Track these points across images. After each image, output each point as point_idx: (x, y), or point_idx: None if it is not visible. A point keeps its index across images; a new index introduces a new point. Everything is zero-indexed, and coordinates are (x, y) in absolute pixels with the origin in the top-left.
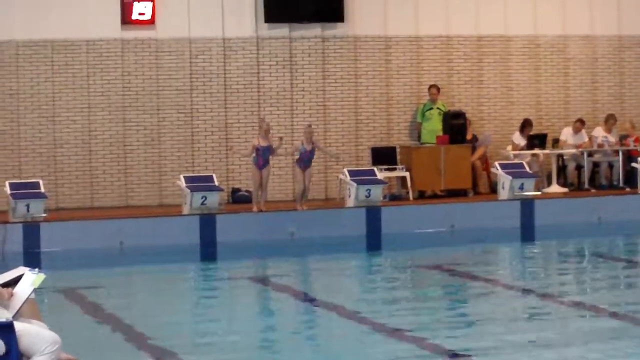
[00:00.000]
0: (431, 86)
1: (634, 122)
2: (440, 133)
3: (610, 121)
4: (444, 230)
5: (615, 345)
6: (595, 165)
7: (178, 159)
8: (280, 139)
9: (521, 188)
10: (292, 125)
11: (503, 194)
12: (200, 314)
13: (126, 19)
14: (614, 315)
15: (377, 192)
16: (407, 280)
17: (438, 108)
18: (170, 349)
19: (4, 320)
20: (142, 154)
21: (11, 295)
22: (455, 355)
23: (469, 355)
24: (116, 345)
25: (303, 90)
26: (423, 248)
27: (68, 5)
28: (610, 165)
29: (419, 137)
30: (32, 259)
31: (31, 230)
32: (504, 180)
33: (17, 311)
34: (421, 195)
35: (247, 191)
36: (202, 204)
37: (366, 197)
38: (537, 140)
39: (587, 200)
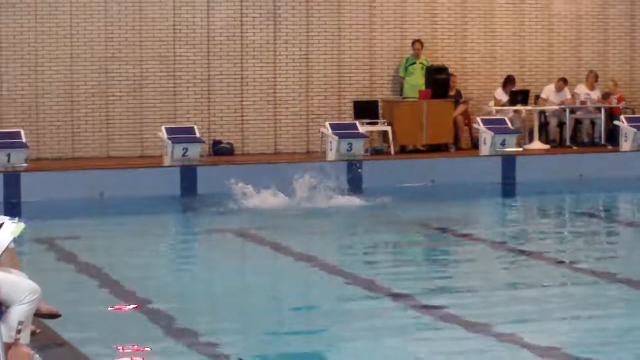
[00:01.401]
0: (415, 41)
1: (616, 80)
2: (423, 88)
3: (591, 77)
4: (425, 185)
5: (594, 301)
6: (578, 122)
7: (160, 110)
8: None
9: (503, 144)
10: (274, 78)
11: (484, 149)
12: (178, 264)
13: None
14: (593, 272)
15: (359, 146)
16: (385, 233)
17: (421, 63)
18: (148, 298)
19: None
20: (124, 104)
21: None
22: (430, 307)
23: (445, 307)
24: (95, 295)
25: (286, 43)
26: (403, 202)
27: None
28: (592, 123)
29: (402, 91)
30: (12, 209)
31: (11, 180)
32: (486, 135)
33: None
34: (402, 150)
35: (228, 143)
36: (183, 155)
37: (347, 150)
38: (519, 97)
39: (569, 157)
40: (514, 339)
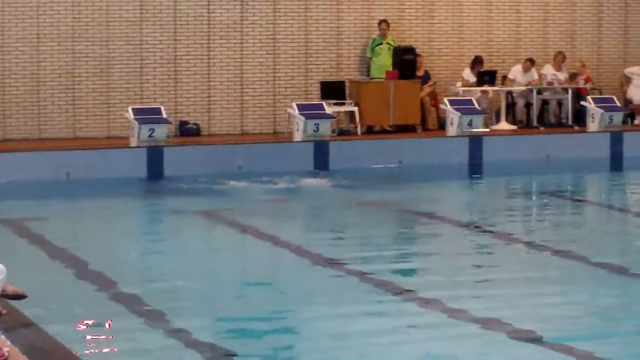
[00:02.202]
0: (381, 21)
1: (584, 60)
2: (390, 68)
3: (558, 58)
4: (392, 166)
5: (561, 283)
6: (545, 103)
7: (126, 90)
8: None
9: (470, 124)
10: (241, 58)
11: (451, 130)
12: (144, 245)
13: None
14: (559, 252)
15: (326, 127)
16: (351, 214)
17: (388, 43)
18: (113, 279)
19: None
20: (91, 85)
21: None
22: (401, 291)
23: (414, 291)
24: (61, 276)
25: (253, 24)
26: (370, 183)
27: None
28: (559, 103)
29: (369, 72)
30: None
31: None
32: (453, 116)
33: None
34: (369, 131)
35: (194, 124)
36: (150, 136)
37: (314, 131)
38: (486, 77)
39: (536, 137)
40: (470, 315)
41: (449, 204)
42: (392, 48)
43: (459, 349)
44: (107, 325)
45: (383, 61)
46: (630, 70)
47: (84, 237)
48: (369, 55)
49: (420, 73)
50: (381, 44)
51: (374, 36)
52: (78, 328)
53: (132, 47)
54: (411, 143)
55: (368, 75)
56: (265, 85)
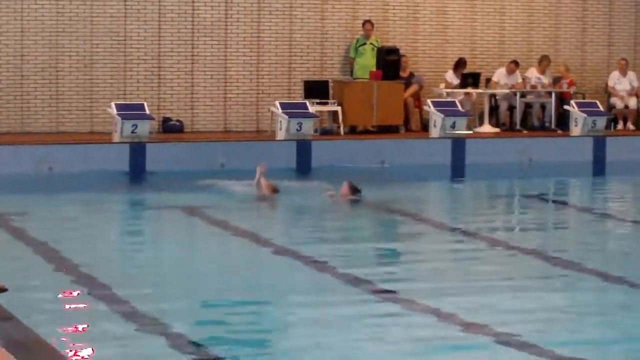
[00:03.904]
0: (365, 21)
1: (568, 64)
2: (373, 69)
3: (544, 62)
4: (374, 166)
5: (541, 285)
6: (528, 106)
7: (110, 86)
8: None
9: (453, 126)
10: (225, 56)
11: (434, 131)
12: (124, 241)
13: None
14: (540, 256)
15: (308, 126)
16: (335, 213)
17: (371, 44)
18: (92, 274)
19: None
20: (74, 80)
21: None
22: (384, 291)
23: (394, 292)
24: (41, 271)
25: (238, 22)
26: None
27: None
28: (543, 107)
29: (352, 72)
30: None
31: None
32: (436, 118)
33: None
34: (352, 131)
35: (177, 120)
36: (133, 132)
37: (297, 130)
38: (470, 79)
39: (519, 140)
40: (455, 317)
41: (431, 205)
42: (375, 48)
43: (438, 351)
44: (83, 305)
45: (366, 61)
46: (612, 79)
47: (65, 231)
48: (352, 55)
49: (405, 74)
50: (365, 44)
51: (358, 36)
52: (57, 323)
53: (116, 43)
54: (394, 144)
55: (351, 75)
56: (249, 84)
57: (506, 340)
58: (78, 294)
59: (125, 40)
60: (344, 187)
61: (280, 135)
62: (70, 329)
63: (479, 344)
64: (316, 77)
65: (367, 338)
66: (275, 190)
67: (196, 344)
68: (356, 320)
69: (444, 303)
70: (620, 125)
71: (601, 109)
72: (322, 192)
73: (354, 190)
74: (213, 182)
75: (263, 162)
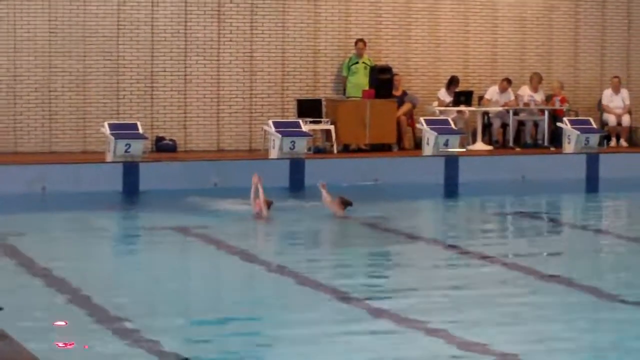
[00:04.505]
0: (358, 40)
1: (562, 81)
2: (366, 87)
3: (535, 79)
4: (367, 185)
5: (535, 301)
6: (521, 123)
7: (103, 106)
8: None
9: (446, 144)
10: (217, 75)
11: (428, 149)
12: (117, 260)
13: None
14: (534, 273)
15: (302, 145)
16: (328, 231)
17: (364, 62)
18: (86, 293)
19: None
20: (67, 100)
21: None
22: (375, 309)
23: (386, 309)
24: (35, 290)
25: (230, 41)
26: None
27: None
28: (536, 124)
29: (344, 90)
30: None
31: None
32: (429, 136)
33: None
34: (345, 149)
35: (171, 140)
36: (126, 151)
37: (290, 149)
38: (463, 97)
39: (512, 158)
40: (447, 335)
41: (424, 223)
42: (368, 67)
43: None
44: (74, 333)
45: (359, 80)
46: (606, 97)
47: (58, 251)
48: (345, 74)
49: (398, 92)
50: (357, 62)
51: (350, 55)
52: (50, 342)
53: (109, 63)
54: (387, 162)
55: (344, 94)
56: (242, 102)
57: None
58: (71, 312)
59: (118, 60)
60: (336, 203)
61: (274, 154)
62: (63, 346)
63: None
64: (309, 96)
65: (358, 356)
66: (269, 203)
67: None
68: (351, 340)
69: (435, 320)
70: (613, 142)
71: (594, 126)
72: (317, 182)
73: (346, 204)
74: (206, 201)
75: (256, 174)
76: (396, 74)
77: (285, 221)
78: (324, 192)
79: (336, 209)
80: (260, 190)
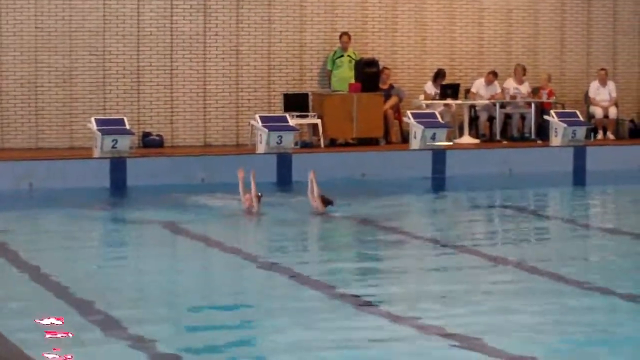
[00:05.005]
0: (343, 34)
1: (550, 74)
2: (351, 81)
3: (518, 71)
4: (355, 179)
5: (523, 298)
6: (508, 116)
7: (89, 101)
8: None
9: (433, 138)
10: (204, 70)
11: (415, 143)
12: (105, 256)
13: None
14: (522, 267)
15: (289, 139)
16: (316, 228)
17: (349, 56)
18: (73, 289)
19: None
20: (54, 95)
21: None
22: (363, 304)
23: (368, 297)
24: (22, 286)
25: (216, 35)
26: (332, 196)
27: None
28: (523, 117)
29: (330, 84)
30: None
31: None
32: (416, 129)
33: None
34: (332, 143)
35: (157, 135)
36: (113, 147)
37: (277, 143)
38: (449, 91)
39: (499, 151)
40: (434, 328)
41: (411, 217)
42: (352, 61)
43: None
44: (69, 335)
45: (343, 74)
46: (592, 90)
47: (46, 247)
48: (329, 67)
49: (385, 86)
50: (342, 56)
51: (335, 48)
52: (39, 336)
53: (95, 58)
54: (374, 156)
55: (330, 87)
56: (228, 97)
57: (495, 353)
58: (58, 308)
59: (104, 55)
60: (317, 200)
61: (261, 148)
62: (51, 339)
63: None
64: (295, 90)
65: (349, 353)
66: (259, 197)
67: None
68: (340, 335)
69: (426, 315)
70: (600, 135)
71: (581, 118)
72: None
73: (327, 202)
74: (194, 196)
75: (241, 169)
76: (386, 68)
77: (273, 216)
78: (311, 184)
79: (317, 204)
80: (253, 184)
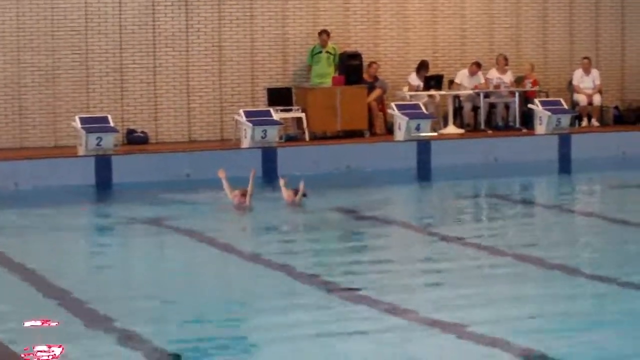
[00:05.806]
0: (322, 31)
1: (533, 63)
2: (329, 76)
3: (500, 61)
4: (340, 171)
5: (512, 286)
6: (492, 106)
7: (73, 100)
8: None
9: (417, 129)
10: (187, 66)
11: (399, 135)
12: (92, 254)
13: None
14: (509, 255)
15: (273, 133)
16: (304, 221)
17: (327, 52)
18: (61, 287)
19: None
20: (37, 95)
21: None
22: (347, 289)
23: (357, 289)
24: (10, 285)
25: (198, 31)
26: (318, 188)
27: None
28: (507, 107)
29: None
30: None
31: None
32: (400, 121)
33: None
34: (317, 136)
35: (142, 132)
36: (98, 145)
37: (262, 138)
38: (433, 82)
39: (483, 141)
40: (423, 318)
41: (397, 208)
42: (331, 56)
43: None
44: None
45: (322, 69)
46: (576, 78)
47: (33, 246)
48: (309, 62)
49: (370, 78)
50: (320, 52)
51: (315, 44)
52: (29, 337)
53: (78, 57)
54: (359, 148)
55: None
56: (212, 93)
57: (481, 340)
58: (46, 306)
59: (87, 53)
60: (288, 193)
61: (245, 143)
62: (38, 341)
63: (452, 343)
64: (279, 84)
65: (341, 345)
66: (245, 193)
67: (175, 355)
68: (330, 326)
69: (414, 304)
70: (584, 122)
71: (565, 106)
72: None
73: (296, 192)
74: (179, 192)
75: (222, 169)
76: (374, 62)
77: (260, 210)
78: (283, 189)
79: (289, 194)
80: (250, 182)
